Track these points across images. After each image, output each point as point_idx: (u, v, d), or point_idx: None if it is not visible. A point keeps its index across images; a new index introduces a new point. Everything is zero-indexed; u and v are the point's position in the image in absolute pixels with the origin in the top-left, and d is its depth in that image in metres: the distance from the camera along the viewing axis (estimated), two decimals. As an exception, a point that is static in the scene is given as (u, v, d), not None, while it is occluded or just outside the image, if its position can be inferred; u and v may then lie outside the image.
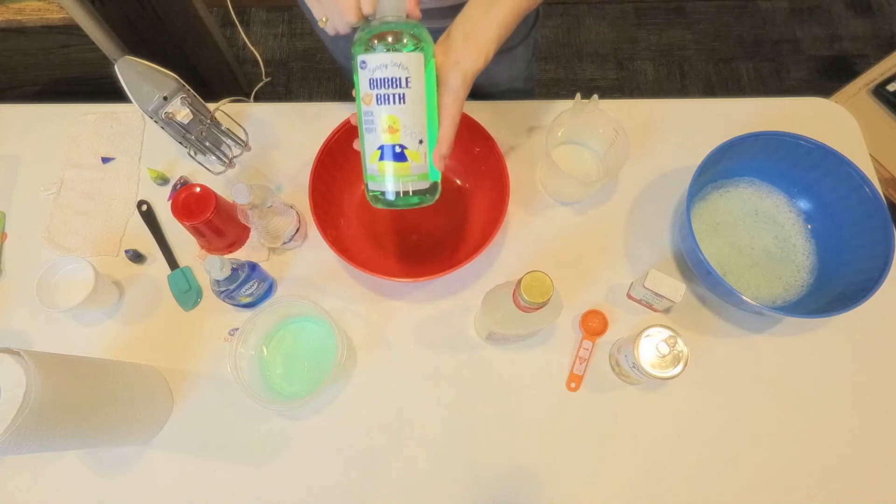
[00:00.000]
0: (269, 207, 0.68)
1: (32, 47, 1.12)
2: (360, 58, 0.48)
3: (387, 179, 0.50)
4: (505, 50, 0.80)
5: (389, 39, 0.47)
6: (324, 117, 0.78)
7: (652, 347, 0.61)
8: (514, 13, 0.54)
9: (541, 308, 0.52)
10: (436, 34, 0.53)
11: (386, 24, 0.48)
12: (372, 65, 0.47)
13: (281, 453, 0.67)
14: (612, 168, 0.76)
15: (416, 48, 0.48)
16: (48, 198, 0.81)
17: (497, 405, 0.69)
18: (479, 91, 0.90)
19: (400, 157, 0.49)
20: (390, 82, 0.47)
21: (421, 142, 0.50)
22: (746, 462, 0.66)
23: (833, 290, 0.69)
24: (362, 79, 0.49)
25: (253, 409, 0.67)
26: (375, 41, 0.47)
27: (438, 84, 0.51)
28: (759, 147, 0.72)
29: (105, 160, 0.83)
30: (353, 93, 0.51)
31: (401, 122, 0.48)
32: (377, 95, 0.48)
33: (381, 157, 0.49)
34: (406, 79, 0.47)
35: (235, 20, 1.00)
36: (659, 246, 0.76)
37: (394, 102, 0.48)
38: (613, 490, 0.65)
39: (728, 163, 0.73)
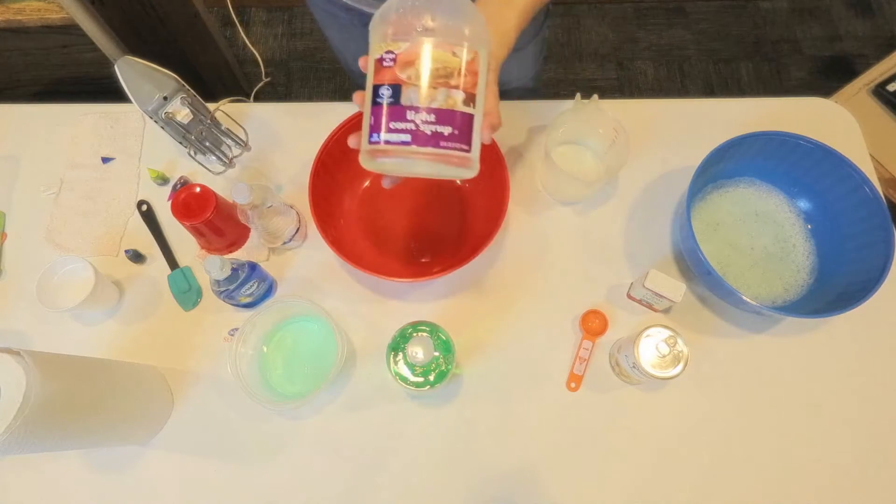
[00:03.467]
0: (269, 207, 0.68)
1: (32, 47, 1.12)
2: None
3: None
4: (516, 49, 0.81)
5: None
6: (324, 117, 0.78)
7: (652, 347, 0.60)
8: (532, 4, 0.55)
9: None
10: None
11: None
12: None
13: (281, 453, 0.67)
14: (612, 168, 0.76)
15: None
16: (48, 198, 0.81)
17: (497, 405, 0.69)
18: None
19: None
20: None
21: None
22: (746, 462, 0.66)
23: (833, 290, 0.68)
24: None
25: (253, 409, 0.67)
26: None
27: None
28: (759, 147, 0.72)
29: (105, 160, 0.83)
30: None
31: None
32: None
33: None
34: None
35: (235, 20, 1.00)
36: (659, 246, 0.76)
37: None
38: (613, 490, 0.65)
39: (728, 163, 0.73)
